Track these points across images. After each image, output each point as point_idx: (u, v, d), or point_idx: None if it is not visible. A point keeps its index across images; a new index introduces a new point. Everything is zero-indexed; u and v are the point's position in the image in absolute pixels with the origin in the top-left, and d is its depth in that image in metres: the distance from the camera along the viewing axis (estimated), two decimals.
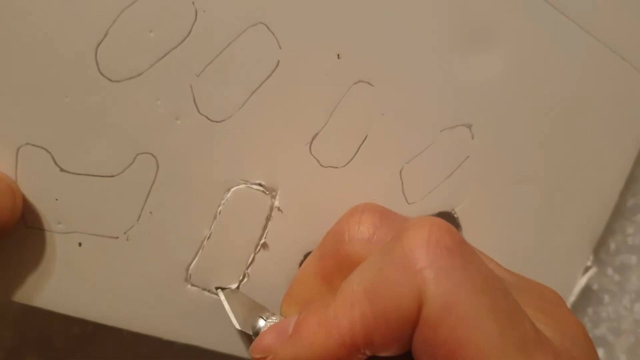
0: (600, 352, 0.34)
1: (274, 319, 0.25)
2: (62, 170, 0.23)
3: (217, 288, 0.26)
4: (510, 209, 0.29)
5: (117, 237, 0.25)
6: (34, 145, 0.23)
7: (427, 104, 0.27)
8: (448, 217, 0.29)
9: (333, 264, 0.24)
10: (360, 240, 0.23)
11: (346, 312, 0.20)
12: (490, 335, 0.18)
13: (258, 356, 0.22)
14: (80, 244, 0.24)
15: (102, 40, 0.22)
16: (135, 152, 0.24)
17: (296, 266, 0.27)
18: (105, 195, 0.24)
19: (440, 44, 0.26)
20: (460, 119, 0.28)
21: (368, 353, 0.20)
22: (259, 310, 0.26)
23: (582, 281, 0.34)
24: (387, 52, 0.26)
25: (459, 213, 0.29)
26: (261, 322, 0.24)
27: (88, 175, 0.24)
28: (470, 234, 0.29)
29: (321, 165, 0.26)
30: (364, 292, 0.19)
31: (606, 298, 0.34)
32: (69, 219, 0.24)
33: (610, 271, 0.34)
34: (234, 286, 0.27)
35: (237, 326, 0.25)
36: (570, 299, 0.34)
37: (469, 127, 0.28)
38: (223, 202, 0.26)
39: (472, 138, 0.28)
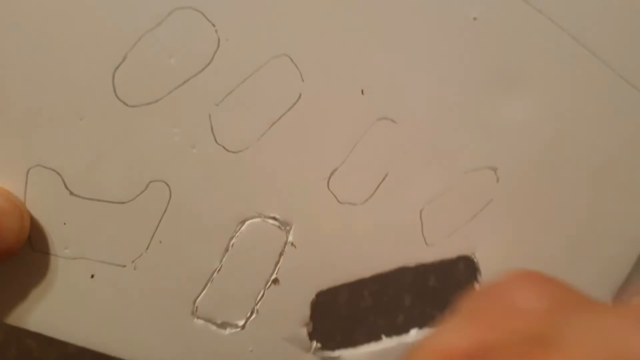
0: None
1: None
2: (72, 194, 0.23)
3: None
4: (533, 256, 0.28)
5: (125, 266, 0.24)
6: (44, 167, 0.22)
7: (452, 144, 0.26)
8: (468, 261, 0.28)
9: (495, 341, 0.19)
10: (538, 312, 0.18)
11: None
12: None
13: None
14: (92, 276, 0.24)
15: (120, 64, 0.22)
16: (148, 180, 0.23)
17: (307, 305, 0.26)
18: (115, 222, 0.23)
19: (468, 85, 0.25)
20: (485, 162, 0.27)
21: None
22: None
23: None
24: (412, 90, 0.25)
25: (479, 258, 0.28)
26: None
27: (98, 200, 0.23)
28: (489, 279, 0.28)
29: (338, 201, 0.25)
30: None
31: None
32: (77, 244, 0.23)
33: None
34: (240, 322, 0.26)
35: None
36: None
37: (494, 170, 0.27)
38: (236, 234, 0.25)
39: (497, 181, 0.27)
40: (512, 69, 0.25)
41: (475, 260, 0.28)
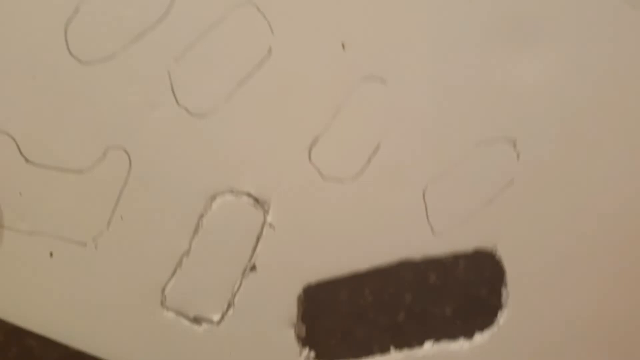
0: None
1: None
2: (27, 161, 0.21)
3: None
4: (569, 252, 0.23)
5: (85, 244, 0.22)
6: None
7: (457, 109, 0.22)
8: (488, 256, 0.24)
9: None
10: None
11: None
12: None
13: None
14: (51, 254, 0.22)
15: (72, 17, 0.20)
16: (106, 145, 0.21)
17: (293, 299, 0.23)
18: (73, 194, 0.21)
19: (475, 36, 0.22)
20: (500, 132, 0.23)
21: None
22: None
23: None
24: (404, 43, 0.22)
25: (502, 252, 0.23)
26: None
27: (55, 168, 0.21)
28: (517, 280, 0.23)
29: (323, 176, 0.22)
30: None
31: None
32: (34, 218, 0.22)
33: None
34: (216, 317, 0.23)
35: None
36: None
37: (513, 142, 0.23)
38: (206, 212, 0.22)
39: (518, 157, 0.23)
40: (528, 19, 0.22)
41: (497, 254, 0.23)
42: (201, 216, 0.22)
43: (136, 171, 0.21)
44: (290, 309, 0.23)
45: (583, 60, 0.22)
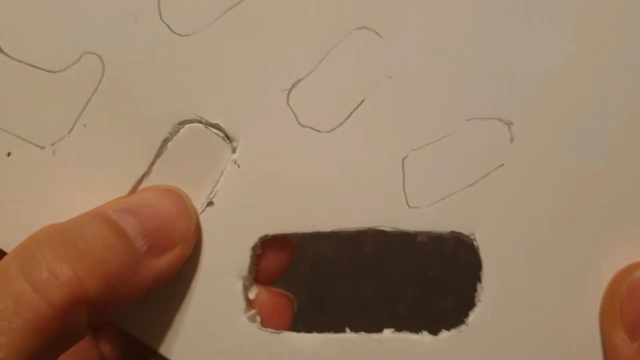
0: None
1: None
2: (1, 51, 0.21)
3: None
4: (554, 255, 0.21)
5: (43, 148, 0.21)
6: None
7: (453, 78, 0.21)
8: (464, 243, 0.22)
9: None
10: None
11: None
12: None
13: None
14: (9, 154, 0.21)
15: None
16: (82, 50, 0.21)
17: (248, 249, 0.22)
18: (41, 94, 0.21)
19: (485, 5, 0.20)
20: (496, 111, 0.21)
21: None
22: None
23: None
24: None
25: (480, 241, 0.21)
26: None
27: (28, 64, 0.21)
28: (493, 275, 0.21)
29: (299, 122, 0.21)
30: None
31: None
32: None
33: None
34: None
35: None
36: None
37: (509, 125, 0.21)
38: (172, 137, 0.21)
39: (511, 141, 0.21)
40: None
41: (475, 243, 0.21)
42: (166, 139, 0.21)
43: (108, 80, 0.21)
44: (243, 258, 0.22)
45: (596, 44, 0.20)
